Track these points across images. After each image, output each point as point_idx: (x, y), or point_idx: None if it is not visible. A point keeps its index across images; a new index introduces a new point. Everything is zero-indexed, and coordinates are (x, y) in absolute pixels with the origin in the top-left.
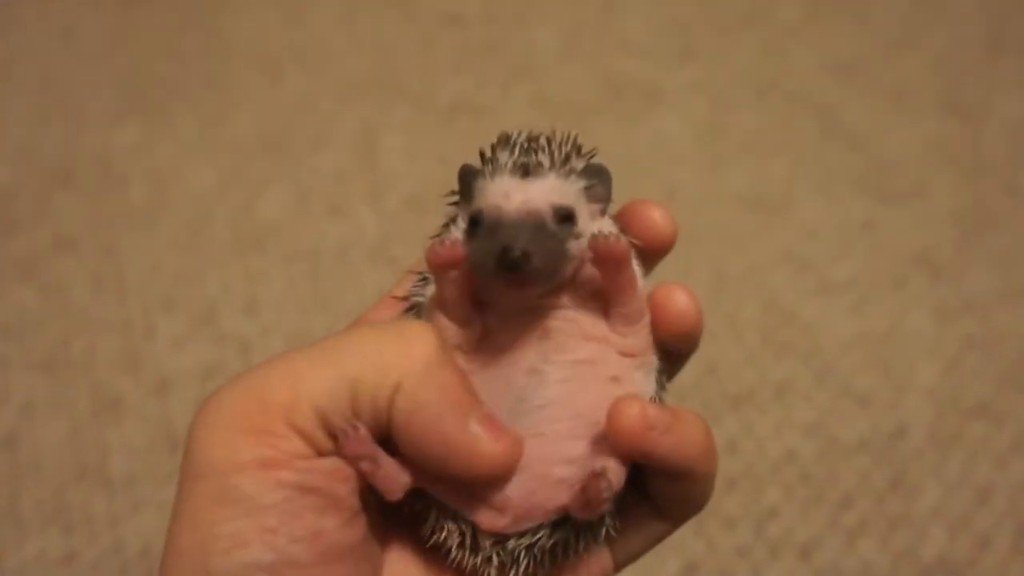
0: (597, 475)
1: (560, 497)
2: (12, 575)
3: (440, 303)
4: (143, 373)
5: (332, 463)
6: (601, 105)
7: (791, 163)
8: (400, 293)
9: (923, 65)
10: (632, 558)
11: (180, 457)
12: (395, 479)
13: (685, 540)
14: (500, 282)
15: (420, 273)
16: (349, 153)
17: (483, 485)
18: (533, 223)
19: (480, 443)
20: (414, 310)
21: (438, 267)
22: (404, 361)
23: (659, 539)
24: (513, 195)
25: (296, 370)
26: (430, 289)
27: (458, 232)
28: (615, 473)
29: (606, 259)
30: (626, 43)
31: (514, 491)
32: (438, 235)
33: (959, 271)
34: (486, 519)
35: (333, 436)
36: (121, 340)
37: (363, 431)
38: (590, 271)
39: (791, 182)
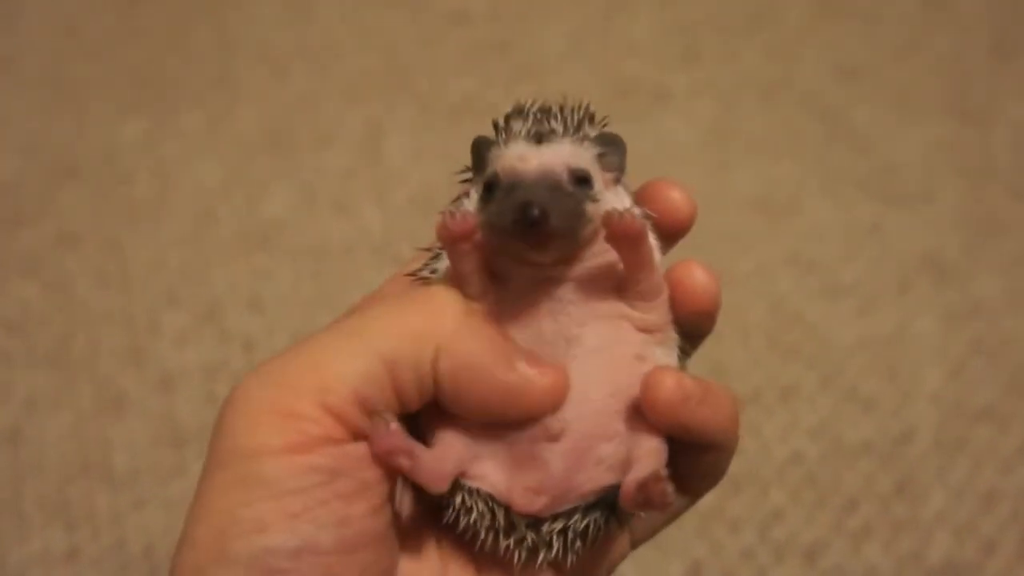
0: (660, 479)
1: (599, 478)
2: (14, 571)
3: (454, 276)
4: (147, 369)
5: (364, 448)
6: (607, 106)
7: (797, 165)
8: (411, 271)
9: (930, 68)
10: (649, 535)
11: (184, 453)
12: (437, 470)
13: (689, 542)
14: (518, 241)
15: (430, 249)
16: (354, 151)
17: (522, 467)
18: (550, 182)
19: (531, 381)
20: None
21: (450, 240)
22: (436, 324)
23: (678, 514)
24: (529, 158)
25: (326, 353)
26: (442, 263)
27: (471, 204)
28: (659, 453)
29: (621, 237)
30: (632, 44)
31: (554, 472)
32: (449, 209)
33: (966, 275)
34: (523, 502)
35: (370, 416)
36: (125, 336)
37: (394, 424)
38: (602, 245)
39: (797, 184)
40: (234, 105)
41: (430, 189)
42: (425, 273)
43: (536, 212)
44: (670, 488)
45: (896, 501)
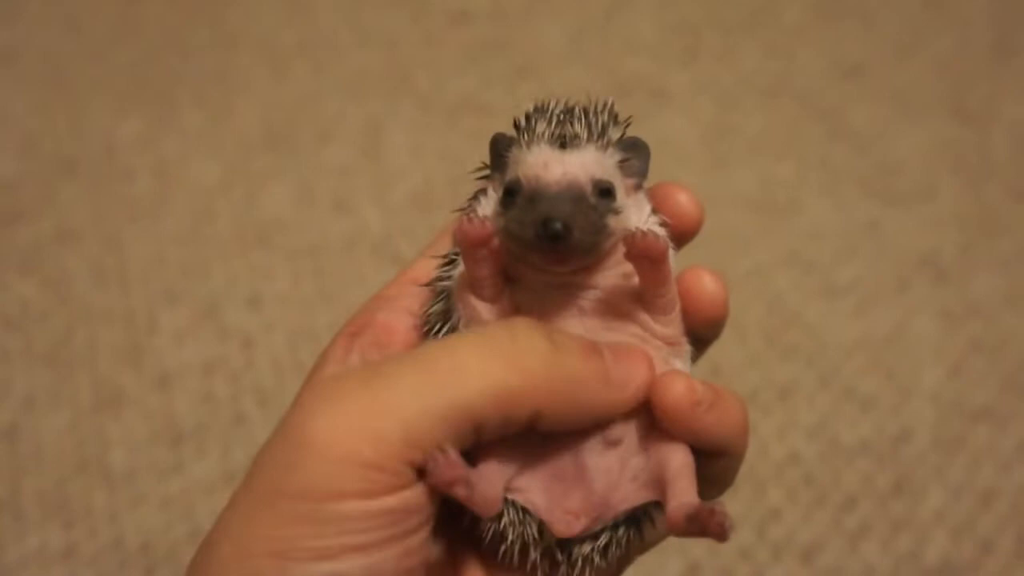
0: (714, 512)
1: (633, 496)
2: (12, 568)
3: (469, 281)
4: (145, 366)
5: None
6: None
7: (797, 165)
8: (420, 276)
9: (929, 68)
10: (656, 542)
11: (181, 451)
12: (490, 495)
13: (687, 541)
14: (537, 254)
15: (444, 256)
16: (354, 149)
17: (564, 482)
18: (573, 195)
19: (626, 387)
20: (443, 295)
21: (467, 245)
22: (531, 383)
23: None
24: (552, 166)
25: (408, 403)
26: (458, 270)
27: (488, 205)
28: (691, 467)
29: (641, 257)
30: (632, 43)
31: (596, 488)
32: (465, 208)
33: (964, 274)
34: (562, 527)
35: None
36: (123, 333)
37: (452, 454)
38: (619, 255)
39: (797, 184)
40: (234, 103)
41: (430, 187)
42: (443, 283)
43: (558, 227)
44: (729, 522)
45: (894, 500)
